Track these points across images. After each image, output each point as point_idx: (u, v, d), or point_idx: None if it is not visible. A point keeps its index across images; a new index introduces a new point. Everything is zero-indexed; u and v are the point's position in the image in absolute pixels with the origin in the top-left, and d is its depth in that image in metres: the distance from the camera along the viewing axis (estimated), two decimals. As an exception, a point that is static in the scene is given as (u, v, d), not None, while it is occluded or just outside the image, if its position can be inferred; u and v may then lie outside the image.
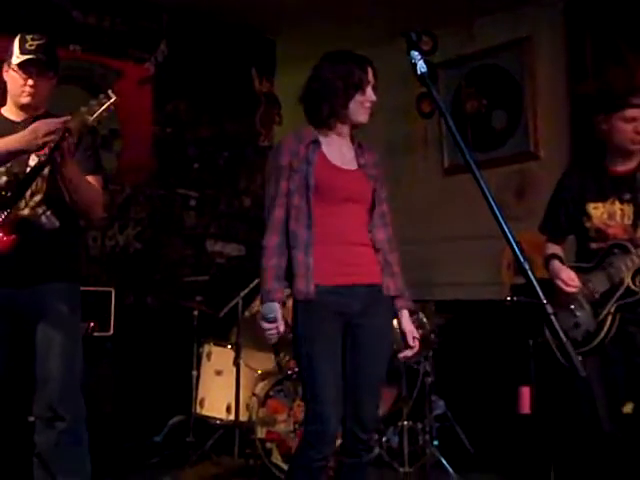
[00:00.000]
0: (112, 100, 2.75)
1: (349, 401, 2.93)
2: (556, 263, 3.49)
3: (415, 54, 2.03)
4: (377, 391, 3.00)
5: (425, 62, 2.04)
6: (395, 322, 3.04)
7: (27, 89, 2.92)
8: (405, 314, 3.02)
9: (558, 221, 3.59)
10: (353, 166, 2.96)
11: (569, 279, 3.39)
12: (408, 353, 3.01)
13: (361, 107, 2.90)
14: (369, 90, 2.90)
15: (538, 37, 5.25)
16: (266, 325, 2.83)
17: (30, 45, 2.91)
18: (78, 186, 2.88)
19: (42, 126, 2.73)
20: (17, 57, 2.90)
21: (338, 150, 2.95)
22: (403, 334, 3.00)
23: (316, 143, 2.91)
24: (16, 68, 2.91)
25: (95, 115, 2.74)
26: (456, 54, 5.65)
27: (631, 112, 3.39)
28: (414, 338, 2.99)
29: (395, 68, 4.31)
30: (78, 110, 2.75)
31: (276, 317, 2.82)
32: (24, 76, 2.91)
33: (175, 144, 6.07)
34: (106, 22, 5.67)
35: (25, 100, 2.94)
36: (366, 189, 2.95)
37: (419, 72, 2.02)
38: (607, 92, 3.82)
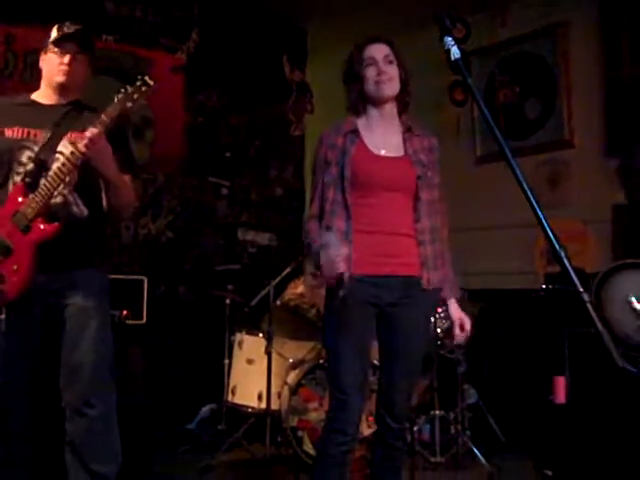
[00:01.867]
0: (150, 85, 2.75)
1: (382, 390, 2.95)
2: None
3: (448, 40, 2.00)
4: (410, 381, 2.98)
5: (458, 48, 2.01)
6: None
7: (63, 67, 2.92)
8: (452, 303, 2.99)
9: None
10: (399, 152, 2.91)
11: None
12: (459, 339, 2.99)
13: (374, 84, 2.86)
14: (375, 64, 2.87)
15: (573, 23, 5.17)
16: (330, 252, 2.62)
17: (68, 28, 2.95)
18: (116, 185, 2.89)
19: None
20: (54, 37, 2.93)
21: (382, 137, 2.92)
22: (452, 323, 2.99)
23: (354, 133, 2.89)
24: (53, 47, 2.93)
25: (134, 101, 2.74)
26: (489, 41, 5.59)
27: None
28: (462, 326, 2.96)
29: (427, 56, 4.29)
30: (116, 97, 2.76)
31: (337, 240, 2.66)
32: (60, 54, 2.92)
33: (207, 133, 6.09)
34: (138, 12, 5.70)
35: (61, 79, 2.94)
36: (409, 176, 2.88)
37: (453, 58, 1.99)
38: None
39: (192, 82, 5.95)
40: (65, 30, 2.95)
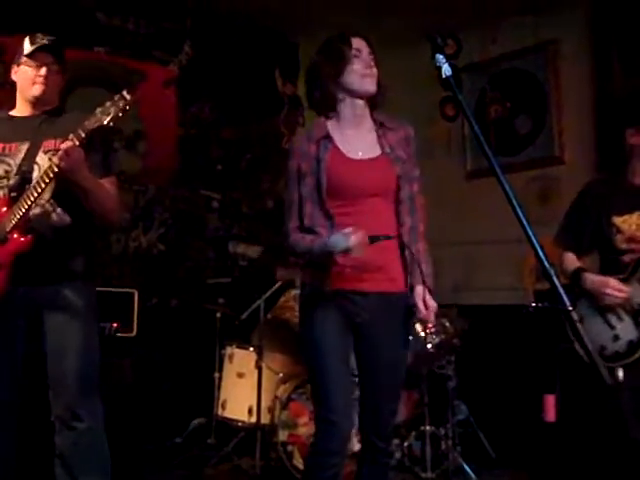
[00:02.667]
0: (127, 101, 2.73)
1: (365, 409, 2.88)
2: (593, 275, 3.45)
3: (440, 57, 2.02)
4: (391, 398, 2.89)
5: (450, 65, 2.03)
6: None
7: (39, 79, 2.93)
8: (419, 286, 2.78)
9: (581, 236, 3.55)
10: (375, 153, 2.81)
11: (618, 285, 3.34)
12: (424, 315, 2.77)
13: (361, 76, 2.77)
14: (362, 57, 2.78)
15: (563, 40, 5.20)
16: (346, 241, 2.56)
17: (41, 39, 2.96)
18: (93, 192, 2.88)
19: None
20: (28, 49, 2.94)
21: (355, 137, 2.82)
22: (415, 305, 2.77)
23: (327, 138, 2.79)
24: (27, 60, 2.93)
25: (110, 116, 2.73)
26: (480, 58, 5.61)
27: None
28: (425, 302, 2.75)
29: (419, 71, 4.31)
30: (94, 111, 2.75)
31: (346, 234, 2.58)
32: (36, 64, 2.93)
33: (199, 146, 6.08)
34: (130, 24, 5.70)
35: (37, 91, 2.95)
36: (389, 178, 2.78)
37: (444, 75, 2.01)
38: (636, 103, 3.77)
39: (184, 95, 5.95)
40: (39, 41, 2.94)
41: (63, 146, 2.72)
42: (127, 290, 4.73)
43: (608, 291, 3.34)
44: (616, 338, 3.35)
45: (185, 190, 5.96)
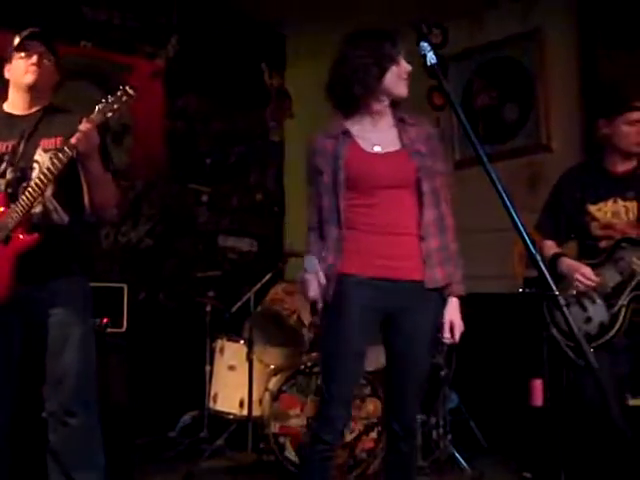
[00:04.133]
0: (131, 95, 2.74)
1: (389, 397, 2.92)
2: (569, 260, 3.55)
3: (425, 45, 2.03)
4: (416, 387, 2.87)
5: (435, 54, 2.03)
6: None
7: (32, 67, 2.92)
8: (452, 302, 2.83)
9: (559, 224, 3.67)
10: (395, 147, 2.81)
11: (589, 274, 3.43)
12: (445, 340, 2.84)
13: (399, 79, 2.77)
14: (403, 61, 2.78)
15: (549, 28, 5.20)
16: (307, 276, 2.73)
17: (31, 31, 2.96)
18: (100, 182, 2.89)
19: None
20: (17, 41, 2.94)
21: (375, 133, 2.82)
22: (441, 324, 2.83)
23: (345, 134, 2.80)
24: (18, 53, 2.93)
25: (113, 111, 2.73)
26: (466, 46, 5.61)
27: (636, 115, 3.48)
28: (452, 329, 2.81)
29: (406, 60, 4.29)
30: (95, 107, 2.75)
31: (316, 269, 2.71)
32: (27, 54, 2.92)
33: (186, 139, 6.07)
34: (116, 18, 5.68)
35: (29, 79, 2.93)
36: (408, 170, 2.77)
37: (429, 63, 2.02)
38: (611, 95, 3.89)
39: (172, 88, 5.94)
40: (27, 31, 2.95)
41: (82, 128, 2.72)
42: (116, 285, 4.71)
43: (577, 276, 3.44)
44: (588, 320, 3.44)
45: (173, 184, 5.95)
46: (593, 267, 3.47)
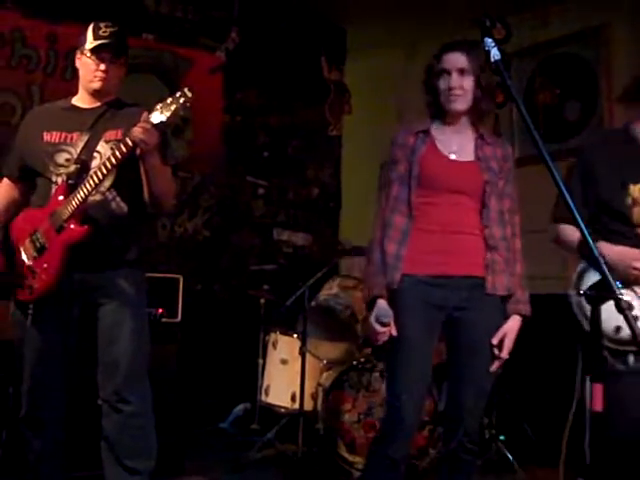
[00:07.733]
0: (188, 98, 2.75)
1: (450, 403, 2.86)
2: (610, 245, 2.91)
3: (489, 41, 1.99)
4: (480, 396, 2.81)
5: (498, 50, 1.99)
6: None
7: (99, 74, 2.96)
8: (514, 319, 2.79)
9: (585, 207, 2.98)
10: (468, 157, 2.83)
11: None
12: (493, 366, 2.76)
13: (443, 95, 2.80)
14: (447, 77, 2.78)
15: (615, 24, 5.11)
16: (378, 328, 2.70)
17: (103, 32, 2.97)
18: (159, 175, 2.92)
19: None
20: (90, 43, 2.96)
21: (454, 141, 2.85)
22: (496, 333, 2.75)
23: (426, 133, 2.85)
24: (89, 54, 2.96)
25: (171, 112, 2.75)
26: (530, 43, 5.54)
27: None
28: (501, 345, 2.74)
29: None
30: (154, 106, 2.77)
31: (390, 321, 2.68)
32: (97, 61, 2.96)
33: (245, 132, 6.10)
34: (178, 11, 5.73)
35: (97, 85, 2.98)
36: (476, 181, 2.79)
37: (492, 59, 1.98)
38: None
39: (231, 81, 5.97)
40: (101, 34, 2.96)
41: (144, 117, 2.75)
42: (172, 276, 4.75)
43: (637, 264, 2.85)
44: (635, 319, 2.75)
45: (231, 177, 5.98)
46: None
